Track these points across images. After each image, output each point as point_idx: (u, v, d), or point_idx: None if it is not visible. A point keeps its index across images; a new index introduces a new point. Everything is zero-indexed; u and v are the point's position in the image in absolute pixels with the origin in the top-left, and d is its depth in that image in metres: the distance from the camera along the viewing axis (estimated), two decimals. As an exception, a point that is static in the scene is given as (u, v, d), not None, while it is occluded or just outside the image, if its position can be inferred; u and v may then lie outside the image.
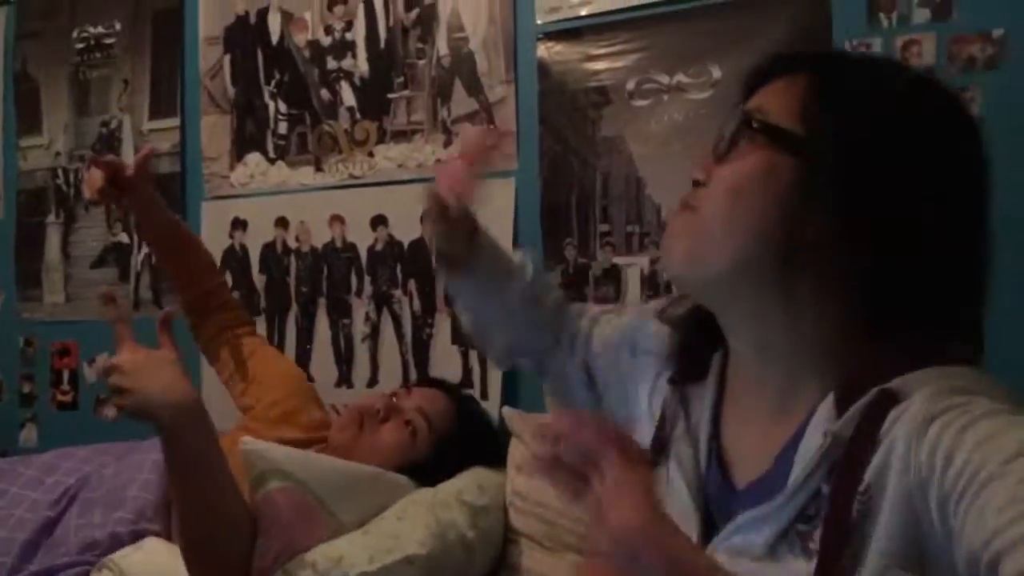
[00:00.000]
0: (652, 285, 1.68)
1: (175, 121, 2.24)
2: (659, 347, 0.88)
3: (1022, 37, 1.43)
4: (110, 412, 2.30)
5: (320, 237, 2.04)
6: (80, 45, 2.39)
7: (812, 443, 0.68)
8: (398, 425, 1.53)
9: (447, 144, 1.89)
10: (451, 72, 1.90)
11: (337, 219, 2.02)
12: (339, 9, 2.03)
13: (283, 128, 2.11)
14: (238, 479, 1.31)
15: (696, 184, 0.76)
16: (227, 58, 2.17)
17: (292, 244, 2.07)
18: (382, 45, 1.98)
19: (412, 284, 1.92)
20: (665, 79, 1.69)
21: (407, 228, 1.93)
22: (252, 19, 2.14)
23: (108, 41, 2.36)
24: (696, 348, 0.82)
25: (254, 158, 2.13)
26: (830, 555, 0.63)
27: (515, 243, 1.79)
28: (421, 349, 1.90)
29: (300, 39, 2.09)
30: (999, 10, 1.45)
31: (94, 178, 1.50)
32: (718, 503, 0.76)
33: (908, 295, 0.69)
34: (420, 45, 1.93)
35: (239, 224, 2.13)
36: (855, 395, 0.65)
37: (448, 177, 0.99)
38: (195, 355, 1.73)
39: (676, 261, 0.76)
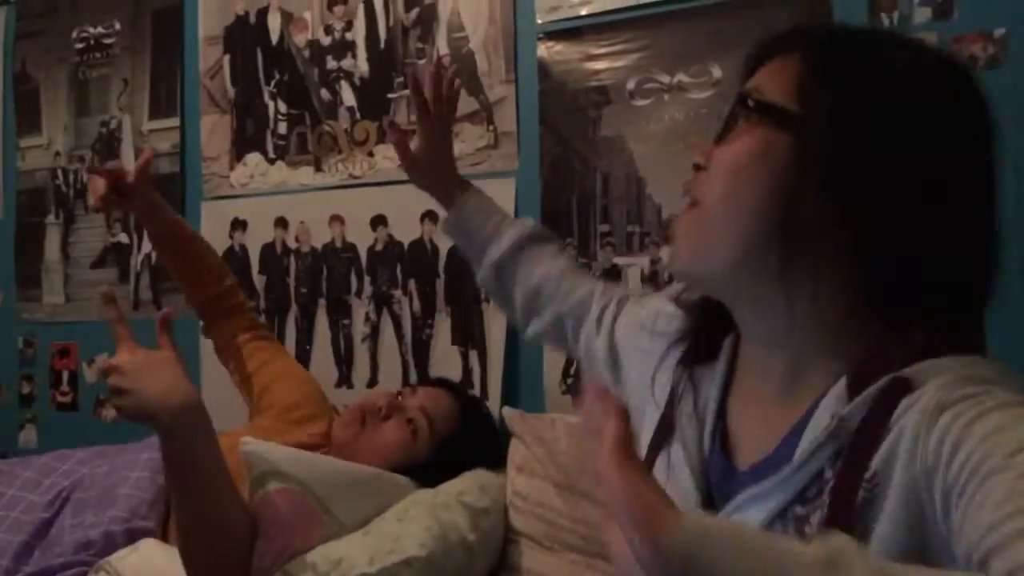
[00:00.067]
0: (653, 285, 1.68)
1: (175, 121, 2.24)
2: (671, 329, 0.87)
3: (1023, 36, 1.43)
4: (110, 413, 2.30)
5: (320, 237, 2.04)
6: (80, 45, 2.39)
7: (819, 425, 0.67)
8: (400, 423, 1.53)
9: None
10: (451, 72, 1.89)
11: (337, 219, 2.02)
12: (339, 9, 2.03)
13: (283, 128, 2.10)
14: (237, 479, 1.31)
15: (697, 168, 0.76)
16: (227, 58, 2.17)
17: (292, 244, 2.07)
18: (382, 45, 1.98)
19: (412, 284, 1.92)
20: (666, 79, 1.68)
21: (407, 228, 1.93)
22: (252, 19, 2.14)
23: (108, 41, 2.36)
24: (708, 331, 0.81)
25: (254, 158, 2.13)
26: None
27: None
28: (421, 349, 1.90)
29: (300, 39, 2.08)
30: (1000, 9, 1.45)
31: (96, 186, 1.50)
32: (720, 485, 0.75)
33: (912, 278, 0.67)
34: (420, 45, 1.93)
35: (239, 224, 2.13)
36: (868, 380, 0.64)
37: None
38: (194, 355, 1.73)
39: (683, 259, 0.76)
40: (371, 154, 1.98)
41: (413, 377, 1.90)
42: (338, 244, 2.01)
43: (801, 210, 0.68)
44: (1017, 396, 0.60)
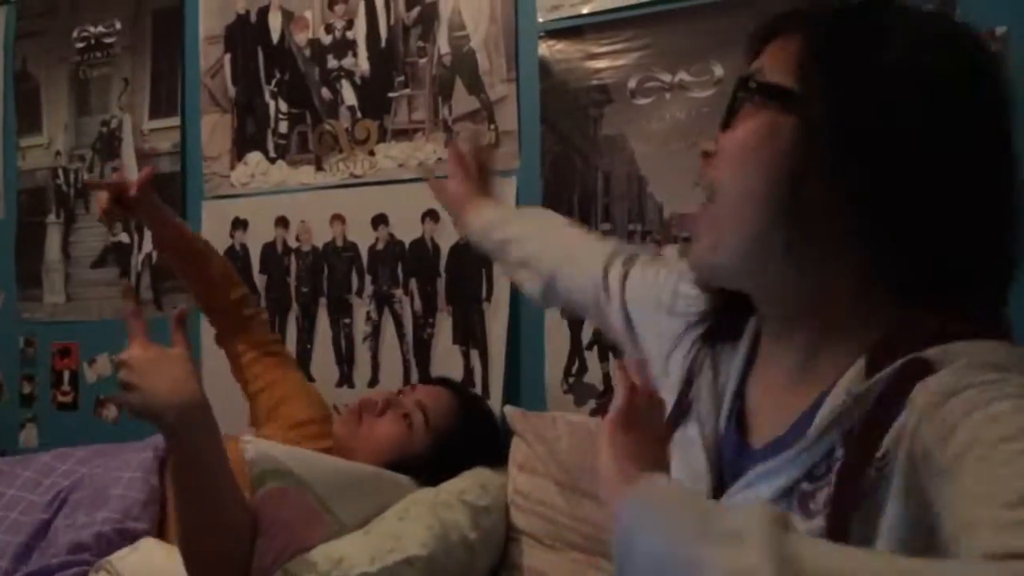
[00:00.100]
0: (654, 284, 1.68)
1: (175, 120, 2.24)
2: (690, 310, 0.86)
3: (1025, 34, 1.43)
4: (110, 413, 2.30)
5: (321, 236, 2.03)
6: (80, 44, 2.39)
7: (834, 403, 0.66)
8: (395, 418, 1.54)
9: (448, 143, 1.88)
10: (452, 71, 1.89)
11: (338, 218, 2.01)
12: (340, 8, 2.03)
13: (284, 127, 2.10)
14: (238, 477, 1.31)
15: (706, 155, 0.75)
16: (228, 57, 2.17)
17: (293, 244, 2.07)
18: (383, 44, 1.98)
19: (413, 283, 1.92)
20: (667, 77, 1.68)
21: (408, 227, 1.92)
22: (253, 18, 2.14)
23: (108, 40, 2.36)
24: (732, 311, 0.80)
25: (255, 157, 2.13)
26: (839, 519, 0.62)
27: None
28: (422, 349, 1.90)
29: (301, 38, 2.08)
30: (1001, 8, 1.45)
31: (100, 200, 1.51)
32: (732, 463, 0.75)
33: (926, 260, 0.66)
34: (421, 44, 1.93)
35: (239, 224, 2.13)
36: (886, 362, 0.63)
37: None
38: (197, 354, 1.72)
39: (703, 253, 0.76)
40: (372, 153, 1.98)
41: (414, 376, 1.89)
42: (339, 243, 2.01)
43: (808, 190, 0.67)
44: None
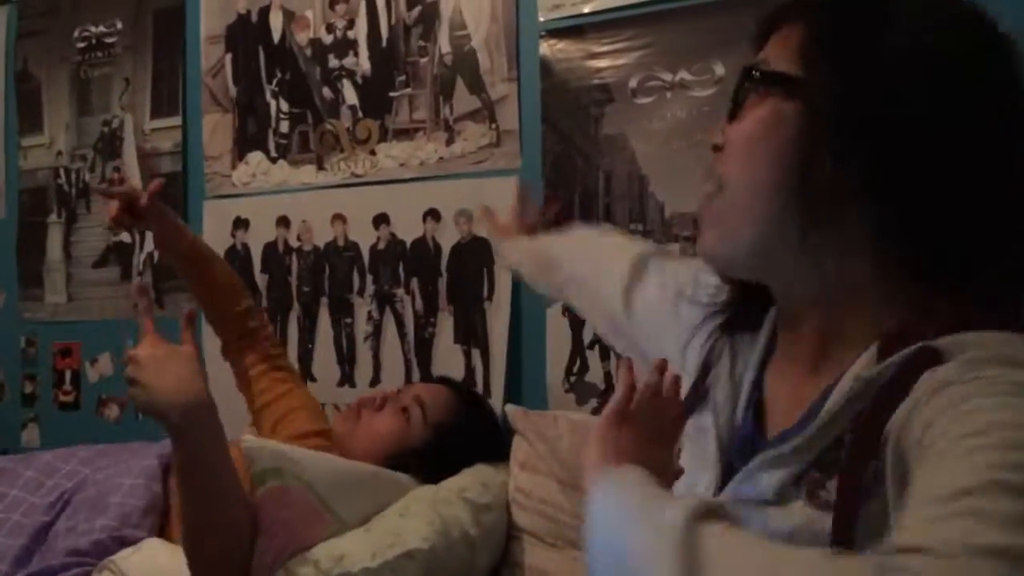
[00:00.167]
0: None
1: (176, 120, 2.24)
2: (709, 300, 0.86)
3: (1027, 33, 1.43)
4: (112, 412, 2.30)
5: (322, 236, 2.04)
6: (81, 44, 2.39)
7: (844, 390, 0.65)
8: (394, 412, 1.56)
9: (449, 142, 1.88)
10: (453, 70, 1.89)
11: (339, 218, 2.01)
12: (341, 7, 2.03)
13: (285, 127, 2.10)
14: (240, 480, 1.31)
15: (716, 149, 0.75)
16: (229, 57, 2.17)
17: (294, 243, 2.07)
18: (384, 43, 1.98)
19: (414, 283, 1.92)
20: (668, 76, 1.68)
21: (409, 227, 1.92)
22: (254, 17, 2.14)
23: (109, 40, 2.36)
24: (752, 300, 0.80)
25: (256, 157, 2.13)
26: (844, 509, 0.61)
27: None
28: (424, 348, 1.90)
29: (302, 37, 2.08)
30: (1003, 7, 1.44)
31: (111, 208, 1.51)
32: (744, 452, 0.74)
33: (938, 246, 0.65)
34: (422, 43, 1.93)
35: (241, 223, 2.13)
36: (898, 349, 0.62)
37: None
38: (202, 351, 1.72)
39: (711, 245, 0.76)
40: (373, 153, 1.98)
41: (416, 376, 1.90)
42: (340, 243, 2.01)
43: (816, 176, 0.66)
44: None
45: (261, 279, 2.10)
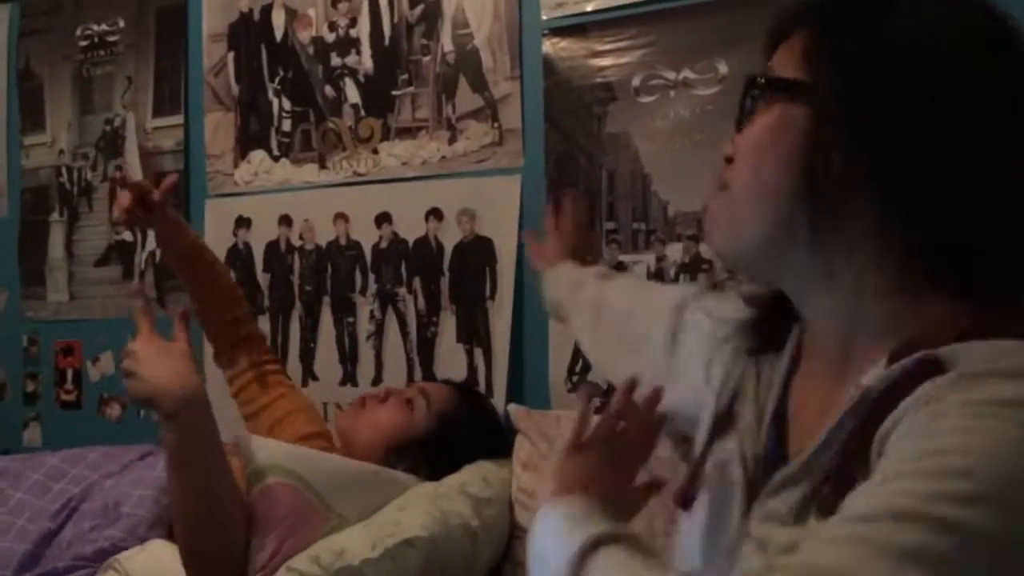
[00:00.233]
0: (658, 282, 1.67)
1: (179, 119, 2.24)
2: (732, 317, 0.85)
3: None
4: (113, 411, 2.30)
5: (324, 235, 2.03)
6: (84, 42, 2.39)
7: (847, 399, 0.64)
8: (398, 403, 1.57)
9: (452, 141, 1.88)
10: (456, 69, 1.89)
11: (341, 217, 2.01)
12: (343, 6, 2.03)
13: (287, 125, 2.10)
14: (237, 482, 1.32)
15: (727, 161, 0.75)
16: (231, 55, 2.17)
17: (296, 242, 2.07)
18: (387, 42, 1.98)
19: (417, 282, 1.92)
20: (671, 75, 1.68)
21: (412, 226, 1.92)
22: (256, 16, 2.14)
23: (112, 38, 2.36)
24: (774, 320, 0.79)
25: (258, 156, 2.13)
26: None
27: (520, 241, 1.79)
28: (426, 347, 1.90)
29: (304, 36, 2.08)
30: (1006, 7, 1.44)
31: (122, 199, 1.51)
32: (769, 475, 0.72)
33: (953, 246, 0.64)
34: (425, 42, 1.93)
35: (243, 222, 2.13)
36: (906, 358, 0.61)
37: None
38: (200, 354, 1.72)
39: (719, 239, 0.76)
40: (375, 151, 1.98)
41: (418, 375, 1.89)
42: (342, 242, 2.01)
43: (823, 176, 0.66)
44: None
45: (263, 278, 2.10)
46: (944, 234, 0.64)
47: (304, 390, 1.93)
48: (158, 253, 2.22)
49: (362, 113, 2.00)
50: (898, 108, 0.64)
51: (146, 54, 2.31)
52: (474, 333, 1.84)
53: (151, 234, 2.19)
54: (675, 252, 1.67)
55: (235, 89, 2.16)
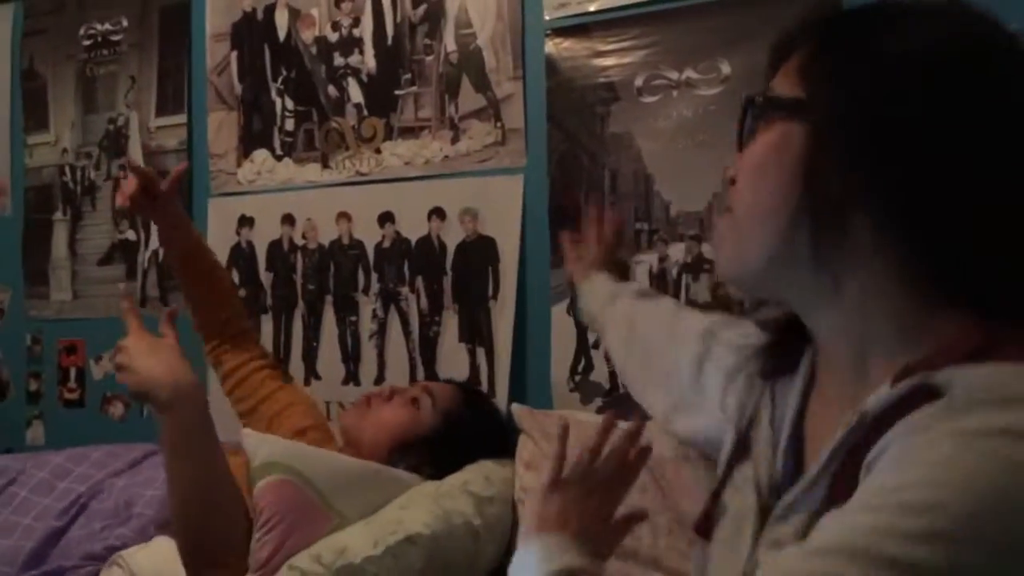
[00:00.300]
0: (661, 283, 1.68)
1: (182, 118, 2.24)
2: (747, 343, 0.85)
3: (1035, 32, 1.42)
4: (116, 410, 2.31)
5: (327, 234, 2.03)
6: (87, 42, 2.40)
7: (846, 424, 0.64)
8: (403, 401, 1.57)
9: (454, 141, 1.88)
10: (459, 68, 1.89)
11: (344, 216, 2.01)
12: (346, 5, 2.03)
13: (290, 125, 2.10)
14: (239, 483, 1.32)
15: (732, 183, 0.74)
16: (234, 55, 2.17)
17: (299, 241, 2.07)
18: (389, 41, 1.98)
19: (419, 281, 1.92)
20: (674, 75, 1.68)
21: (414, 225, 1.92)
22: (259, 15, 2.14)
23: (115, 38, 2.36)
24: (787, 342, 0.78)
25: (261, 155, 2.13)
26: None
27: (523, 241, 1.79)
28: (428, 347, 1.90)
29: (307, 35, 2.08)
30: (1010, 7, 1.44)
31: (129, 184, 1.50)
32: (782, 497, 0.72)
33: (953, 260, 0.63)
34: (428, 41, 1.93)
35: (246, 221, 2.13)
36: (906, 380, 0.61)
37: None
38: (199, 354, 1.72)
39: (724, 264, 0.75)
40: (378, 151, 1.98)
41: (420, 374, 1.90)
42: (345, 241, 2.01)
43: (823, 192, 0.65)
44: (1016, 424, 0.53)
45: (266, 277, 2.10)
46: (946, 248, 0.63)
47: (307, 389, 1.94)
48: (161, 252, 2.22)
49: (365, 113, 2.00)
50: (895, 124, 0.63)
51: (149, 53, 2.31)
52: (476, 333, 1.84)
53: (154, 233, 2.20)
54: (677, 252, 1.67)
55: (238, 88, 2.17)
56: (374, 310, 1.97)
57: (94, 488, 1.51)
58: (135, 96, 2.32)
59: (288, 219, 2.08)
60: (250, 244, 2.12)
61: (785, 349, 0.79)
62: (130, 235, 2.31)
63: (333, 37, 2.05)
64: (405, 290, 1.93)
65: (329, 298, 2.03)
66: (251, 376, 1.67)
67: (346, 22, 2.03)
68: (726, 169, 0.76)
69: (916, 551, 0.50)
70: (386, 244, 1.96)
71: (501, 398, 1.78)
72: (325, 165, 2.05)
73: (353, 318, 1.99)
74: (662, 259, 1.68)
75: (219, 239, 2.11)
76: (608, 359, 1.70)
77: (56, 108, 2.44)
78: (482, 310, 1.84)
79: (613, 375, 1.70)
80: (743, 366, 0.85)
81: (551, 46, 1.79)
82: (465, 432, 1.57)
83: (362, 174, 2.00)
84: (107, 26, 2.37)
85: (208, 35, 2.21)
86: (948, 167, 0.63)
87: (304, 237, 2.06)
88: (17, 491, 1.52)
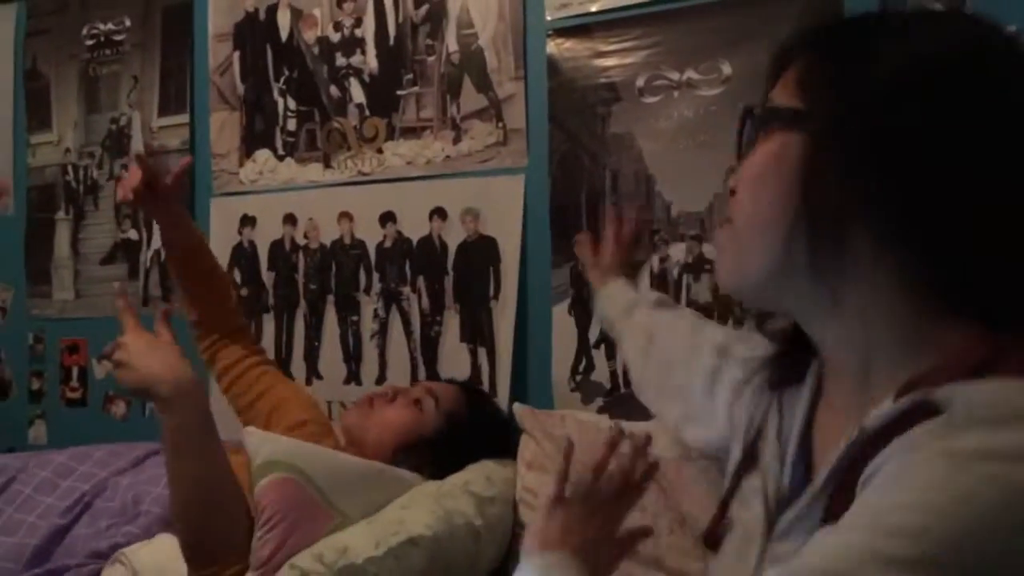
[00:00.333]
0: (662, 283, 1.68)
1: (184, 118, 2.25)
2: (754, 355, 0.85)
3: (1036, 33, 1.43)
4: (119, 409, 2.31)
5: (329, 234, 2.04)
6: (90, 42, 2.40)
7: (848, 439, 0.63)
8: (407, 403, 1.58)
9: (456, 141, 1.89)
10: (460, 69, 1.89)
11: (346, 216, 2.02)
12: (348, 6, 2.03)
13: (292, 125, 2.11)
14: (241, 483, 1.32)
15: (732, 193, 0.74)
16: (236, 55, 2.18)
17: (301, 241, 2.07)
18: (391, 42, 1.98)
19: (421, 281, 1.92)
20: (675, 75, 1.68)
21: (416, 225, 1.93)
22: (262, 15, 2.14)
23: (118, 38, 2.37)
24: (794, 353, 0.78)
25: (263, 155, 2.13)
26: None
27: (524, 241, 1.79)
28: (430, 346, 1.90)
29: (309, 36, 2.09)
30: (1013, 6, 1.44)
31: (133, 177, 1.50)
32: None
33: (953, 271, 0.62)
34: (429, 42, 1.93)
35: (248, 221, 2.13)
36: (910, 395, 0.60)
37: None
38: (194, 353, 1.72)
39: (724, 276, 0.75)
40: (380, 151, 1.98)
41: (422, 374, 1.90)
42: (347, 241, 2.02)
43: (822, 203, 0.65)
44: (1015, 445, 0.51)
45: (268, 277, 2.10)
46: (948, 259, 0.62)
47: (308, 388, 1.95)
48: (163, 252, 2.23)
49: (367, 113, 2.01)
50: (893, 134, 0.63)
51: (152, 53, 2.31)
52: (478, 332, 1.84)
53: (156, 233, 2.20)
54: (678, 252, 1.67)
55: (240, 88, 2.17)
56: (375, 310, 1.97)
57: (98, 486, 1.51)
58: (138, 96, 2.33)
59: (290, 219, 2.08)
60: (252, 244, 2.12)
61: (792, 359, 0.78)
62: (132, 235, 2.31)
63: (335, 37, 2.05)
64: (406, 290, 1.94)
65: (331, 298, 2.03)
66: (248, 372, 1.67)
67: (348, 22, 2.03)
68: (727, 180, 0.75)
69: None
70: (388, 244, 1.96)
71: (502, 398, 1.78)
72: (327, 165, 2.05)
73: (355, 318, 2.00)
74: (663, 259, 1.68)
75: (221, 239, 2.12)
76: (608, 356, 1.71)
77: (59, 108, 2.45)
78: (483, 310, 1.84)
79: (614, 375, 1.70)
80: (750, 378, 0.85)
81: (553, 46, 1.80)
82: (468, 433, 1.57)
83: (364, 174, 2.01)
84: (110, 26, 2.38)
85: (210, 35, 2.21)
86: (949, 176, 0.62)
87: (306, 237, 2.07)
88: (20, 489, 1.52)
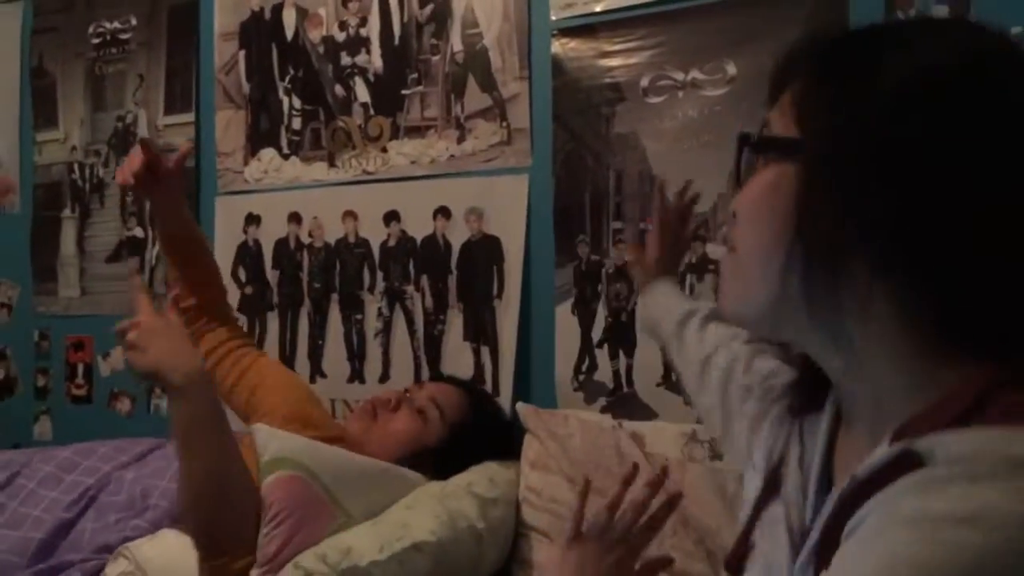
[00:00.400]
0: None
1: (190, 116, 2.26)
2: (774, 384, 0.84)
3: (1041, 34, 1.42)
4: (123, 406, 2.32)
5: (333, 233, 2.04)
6: (96, 40, 2.41)
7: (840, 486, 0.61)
8: (410, 413, 1.57)
9: (460, 140, 1.89)
10: (465, 68, 1.90)
11: (350, 215, 2.02)
12: (354, 5, 2.04)
13: (297, 124, 2.11)
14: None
15: (734, 216, 0.72)
16: (242, 54, 2.18)
17: (305, 239, 2.08)
18: (396, 41, 1.98)
19: (424, 280, 1.93)
20: (680, 76, 1.68)
21: (420, 224, 1.93)
22: (267, 15, 2.15)
23: (124, 36, 2.37)
24: (812, 379, 0.75)
25: (268, 153, 2.14)
26: None
27: (527, 240, 1.79)
28: (433, 345, 1.91)
29: (315, 35, 2.09)
30: (1017, 7, 1.44)
31: (134, 160, 1.49)
32: None
33: (954, 308, 0.60)
34: (434, 41, 1.94)
35: (252, 219, 2.14)
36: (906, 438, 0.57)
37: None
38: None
39: (725, 304, 0.74)
40: (384, 150, 1.99)
41: (425, 373, 1.90)
42: (351, 239, 2.02)
43: (815, 235, 0.62)
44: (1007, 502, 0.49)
45: (272, 275, 2.11)
46: (947, 293, 0.60)
47: (312, 387, 1.94)
48: (159, 238, 2.21)
49: (371, 112, 2.01)
50: (894, 148, 0.60)
51: (158, 52, 2.32)
52: (481, 331, 1.85)
53: (158, 233, 2.20)
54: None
55: (246, 87, 2.18)
56: (379, 308, 1.98)
57: (102, 481, 1.52)
58: (143, 94, 2.34)
59: (294, 217, 2.09)
60: (257, 242, 2.13)
61: (810, 385, 0.76)
62: (138, 232, 2.32)
63: (340, 37, 2.06)
64: (410, 289, 1.94)
65: (335, 296, 2.04)
66: (232, 353, 1.66)
67: (353, 22, 2.04)
68: (733, 203, 0.74)
69: None
70: (392, 243, 1.97)
71: (505, 397, 1.78)
72: (331, 164, 2.06)
73: (358, 316, 2.00)
74: (666, 259, 1.68)
75: (226, 237, 2.13)
76: (611, 356, 1.71)
77: (65, 106, 2.46)
78: (487, 309, 1.84)
79: (616, 375, 1.70)
80: (768, 410, 0.82)
81: (557, 46, 1.80)
82: (472, 441, 1.57)
83: (368, 173, 2.01)
84: (116, 25, 2.38)
85: (216, 34, 2.22)
86: (950, 193, 0.59)
87: (310, 235, 2.07)
88: (24, 483, 1.53)
